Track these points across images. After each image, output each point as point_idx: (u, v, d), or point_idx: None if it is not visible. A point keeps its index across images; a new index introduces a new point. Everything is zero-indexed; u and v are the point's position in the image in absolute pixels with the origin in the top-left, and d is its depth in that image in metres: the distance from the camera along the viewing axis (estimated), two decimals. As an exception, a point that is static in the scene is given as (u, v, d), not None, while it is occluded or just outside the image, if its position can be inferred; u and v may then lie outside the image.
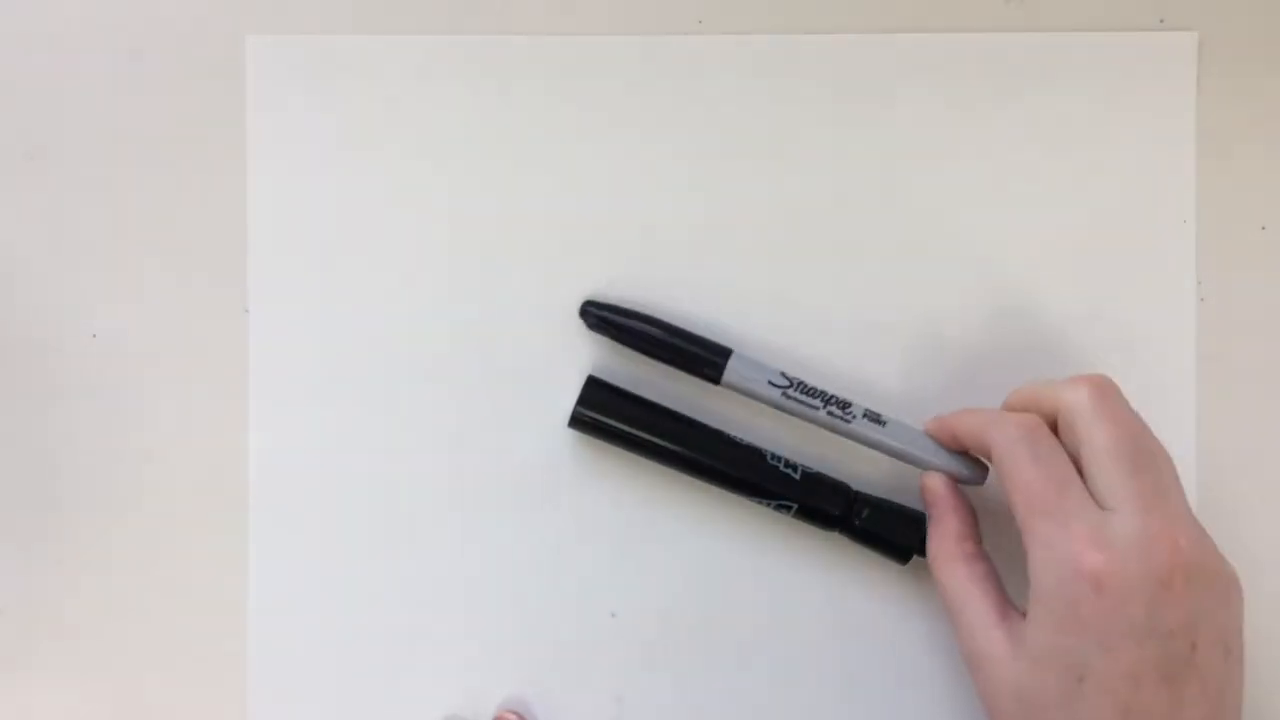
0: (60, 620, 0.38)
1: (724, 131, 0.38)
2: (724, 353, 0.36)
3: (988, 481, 0.36)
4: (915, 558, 0.35)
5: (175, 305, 0.38)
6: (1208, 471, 0.37)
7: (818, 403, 0.35)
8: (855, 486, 0.36)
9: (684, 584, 0.37)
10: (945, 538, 0.34)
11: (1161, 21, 0.38)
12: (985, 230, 0.38)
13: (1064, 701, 0.29)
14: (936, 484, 0.35)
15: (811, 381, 0.36)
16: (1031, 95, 0.38)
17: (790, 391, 0.35)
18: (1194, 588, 0.29)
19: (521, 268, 0.38)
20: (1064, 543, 0.29)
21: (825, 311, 0.37)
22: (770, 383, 0.35)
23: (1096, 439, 0.30)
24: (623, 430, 0.36)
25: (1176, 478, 0.31)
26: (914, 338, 0.37)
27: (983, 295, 0.37)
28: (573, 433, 0.37)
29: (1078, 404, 0.31)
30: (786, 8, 0.38)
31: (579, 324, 0.37)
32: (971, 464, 0.36)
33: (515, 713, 0.37)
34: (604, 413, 0.36)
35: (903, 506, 0.36)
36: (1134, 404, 0.32)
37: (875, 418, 0.35)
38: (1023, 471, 0.31)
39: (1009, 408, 0.34)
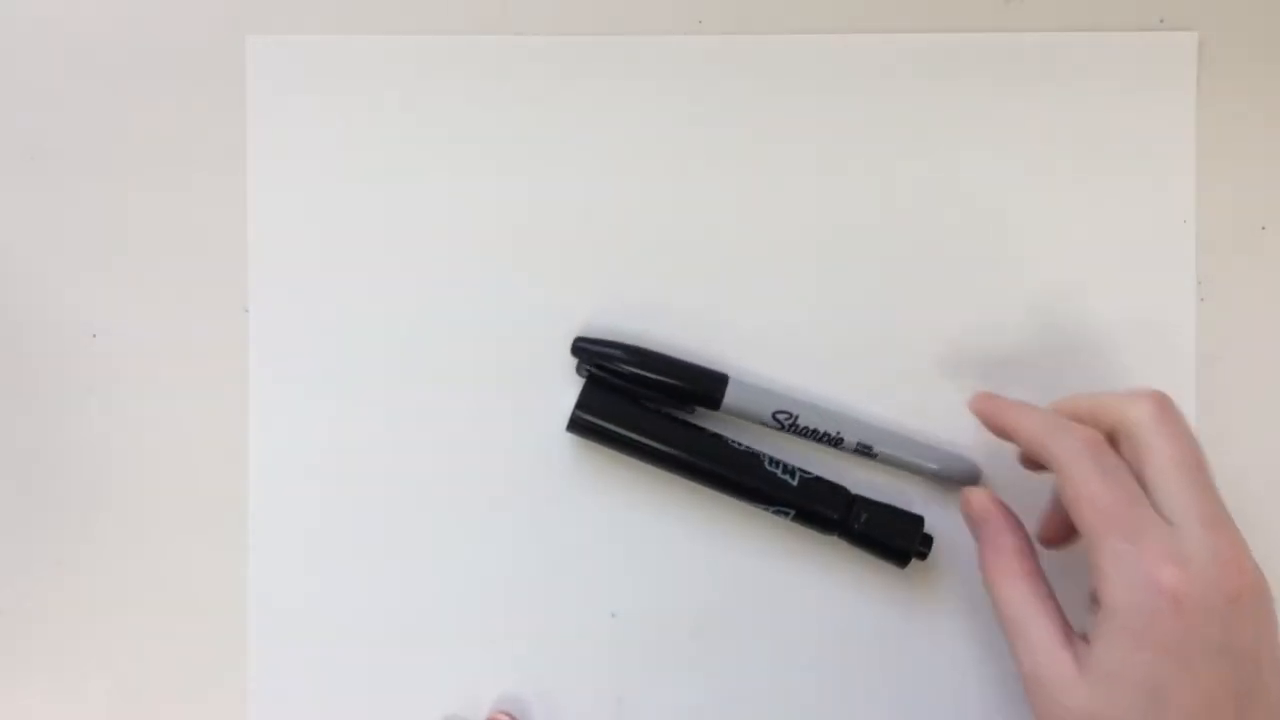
0: (59, 620, 0.38)
1: (723, 131, 0.38)
2: (720, 385, 0.36)
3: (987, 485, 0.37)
4: (913, 561, 0.35)
5: (175, 305, 0.38)
6: (1207, 472, 0.37)
7: (809, 441, 0.36)
8: (853, 490, 0.36)
9: (684, 586, 0.37)
10: (1004, 553, 0.32)
11: (1161, 21, 0.38)
12: (985, 231, 0.37)
13: None
14: (985, 502, 0.33)
15: (811, 387, 0.36)
16: (1031, 95, 0.37)
17: (783, 432, 0.36)
18: (1257, 607, 0.29)
19: (522, 268, 0.38)
20: (1137, 558, 0.28)
21: (826, 312, 0.37)
22: (763, 424, 0.36)
23: (1164, 453, 0.30)
24: (621, 434, 0.36)
25: None
26: (913, 339, 0.37)
27: (981, 296, 0.37)
28: (571, 436, 0.37)
29: (1141, 418, 0.30)
30: (786, 8, 0.38)
31: (578, 325, 0.37)
32: (968, 462, 0.36)
33: (507, 713, 0.37)
34: (602, 416, 0.36)
35: (901, 510, 0.36)
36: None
37: (866, 450, 0.36)
38: (1090, 485, 0.30)
39: None
